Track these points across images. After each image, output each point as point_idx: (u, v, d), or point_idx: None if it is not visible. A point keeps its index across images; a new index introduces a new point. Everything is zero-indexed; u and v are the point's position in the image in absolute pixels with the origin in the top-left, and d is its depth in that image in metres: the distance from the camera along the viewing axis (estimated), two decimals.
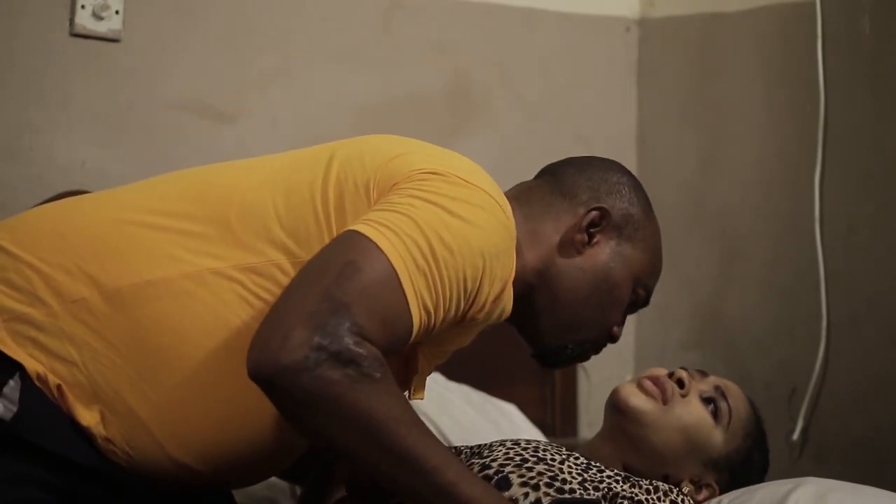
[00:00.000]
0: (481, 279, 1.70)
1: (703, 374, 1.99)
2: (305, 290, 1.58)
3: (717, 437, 1.92)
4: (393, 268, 1.61)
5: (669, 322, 3.63)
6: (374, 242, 1.61)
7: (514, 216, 1.82)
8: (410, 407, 1.63)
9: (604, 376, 3.67)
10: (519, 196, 1.90)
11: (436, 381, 3.13)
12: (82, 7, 2.96)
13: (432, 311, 1.66)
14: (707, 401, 1.93)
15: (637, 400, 1.91)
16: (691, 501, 1.86)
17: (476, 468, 1.82)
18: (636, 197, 1.92)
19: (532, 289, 1.87)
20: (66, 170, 2.94)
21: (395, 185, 1.71)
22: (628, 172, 1.96)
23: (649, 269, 1.93)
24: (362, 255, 1.61)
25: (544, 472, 1.79)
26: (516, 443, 1.89)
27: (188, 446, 1.74)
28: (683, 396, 1.92)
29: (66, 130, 2.96)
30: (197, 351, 1.72)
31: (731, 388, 1.98)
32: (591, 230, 1.87)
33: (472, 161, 1.84)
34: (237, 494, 2.07)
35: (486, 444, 1.92)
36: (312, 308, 1.56)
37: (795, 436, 3.18)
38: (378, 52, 3.33)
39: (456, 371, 3.25)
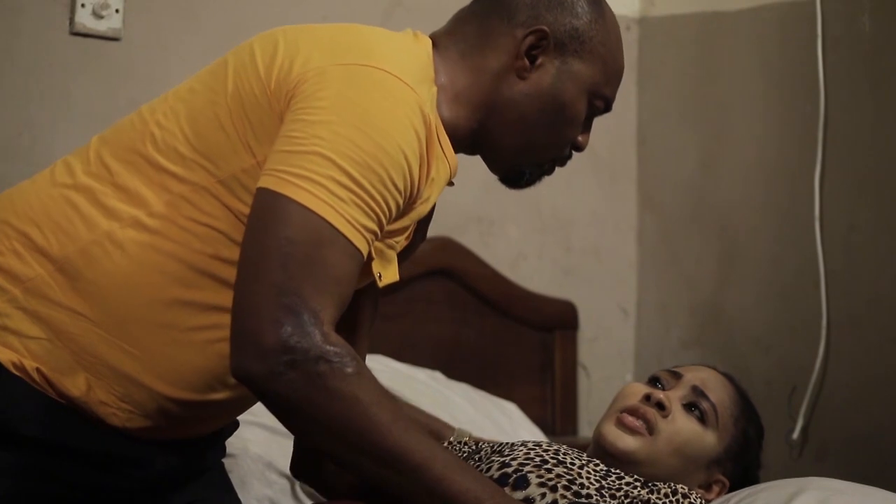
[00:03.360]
0: (409, 171, 1.68)
1: (676, 375, 1.96)
2: (257, 288, 1.59)
3: (710, 439, 1.91)
4: (323, 219, 1.60)
5: (669, 321, 3.63)
6: (297, 201, 1.61)
7: (448, 56, 1.82)
8: (390, 400, 1.62)
9: (604, 375, 3.67)
10: (454, 30, 1.87)
11: (436, 380, 3.13)
12: (82, 6, 2.95)
13: (377, 228, 1.66)
14: (689, 407, 1.91)
15: (625, 442, 1.87)
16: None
17: (496, 465, 1.82)
18: (581, 7, 1.85)
19: (480, 124, 1.84)
20: None
21: (289, 96, 1.69)
22: None
23: (603, 80, 1.87)
24: (291, 223, 1.60)
25: (563, 474, 1.78)
26: (538, 444, 1.88)
27: (180, 381, 1.76)
28: (666, 417, 1.89)
29: (66, 129, 2.96)
30: (158, 292, 1.73)
31: (709, 379, 1.95)
32: (532, 52, 1.82)
33: (367, 28, 1.81)
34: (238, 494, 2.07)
35: (507, 444, 1.92)
36: (269, 307, 1.57)
37: (795, 434, 3.18)
38: None
39: (456, 370, 3.26)
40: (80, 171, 1.79)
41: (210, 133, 1.74)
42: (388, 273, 1.79)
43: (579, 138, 1.90)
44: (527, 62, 1.82)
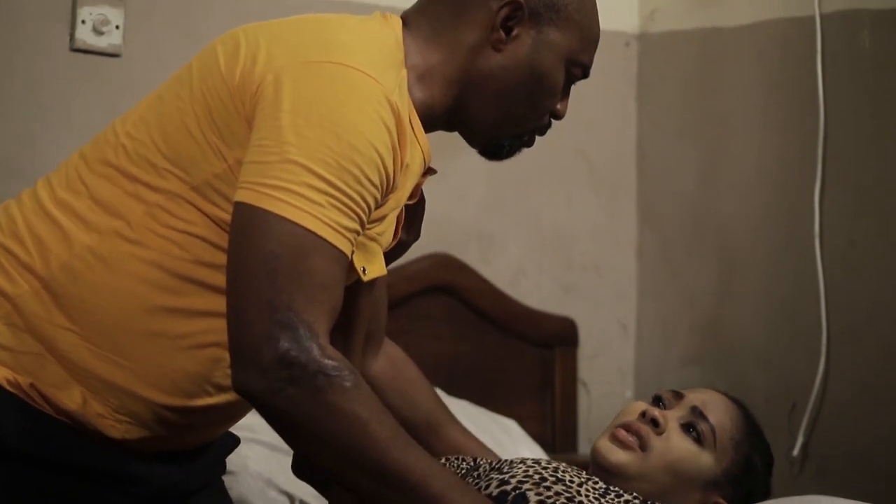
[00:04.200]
0: (383, 164, 1.68)
1: (679, 395, 1.95)
2: (249, 306, 1.59)
3: (706, 460, 1.89)
4: (305, 228, 1.60)
5: (669, 337, 3.63)
6: (275, 213, 1.60)
7: (420, 35, 1.81)
8: (388, 416, 1.63)
9: (603, 392, 3.67)
10: (426, 8, 1.86)
11: None
12: (83, 22, 2.96)
13: (358, 227, 1.66)
14: (686, 427, 1.91)
15: (617, 456, 1.87)
16: None
17: (494, 483, 1.82)
18: None
19: (457, 100, 1.84)
20: None
21: (254, 100, 1.68)
22: None
23: (580, 46, 1.86)
24: (273, 237, 1.60)
25: (562, 492, 1.78)
26: (537, 461, 1.88)
27: (173, 388, 1.76)
28: (660, 434, 1.89)
29: (67, 145, 2.94)
30: (143, 301, 1.74)
31: (711, 401, 1.94)
32: (508, 24, 1.81)
33: (330, 19, 1.80)
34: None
35: (506, 461, 1.92)
36: (264, 324, 1.57)
37: (796, 451, 3.17)
38: None
39: (456, 387, 3.26)
40: (59, 187, 1.80)
41: (179, 140, 1.74)
42: (372, 267, 1.79)
43: (558, 106, 1.89)
44: (502, 34, 1.81)
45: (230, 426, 1.96)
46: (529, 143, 1.93)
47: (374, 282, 1.86)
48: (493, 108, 1.85)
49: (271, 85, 1.67)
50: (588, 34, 1.87)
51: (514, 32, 1.82)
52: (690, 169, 3.58)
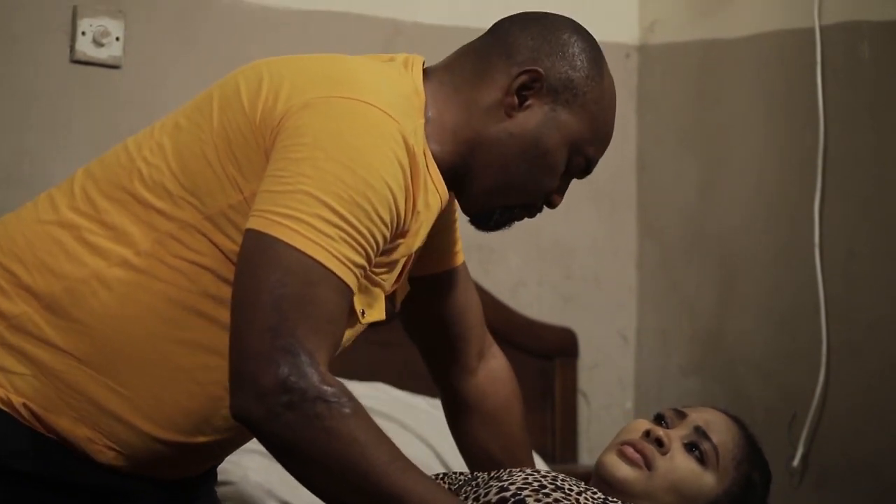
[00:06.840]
0: (395, 203, 1.68)
1: (681, 414, 1.95)
2: (252, 331, 1.58)
3: (708, 480, 1.90)
4: (313, 258, 1.60)
5: (669, 347, 3.63)
6: (285, 242, 1.60)
7: (442, 90, 1.82)
8: (387, 441, 1.62)
9: (603, 403, 3.66)
10: (452, 64, 1.87)
11: (437, 408, 3.12)
12: (83, 34, 2.96)
13: (365, 262, 1.66)
14: (690, 447, 1.92)
15: (623, 471, 1.87)
16: None
17: (494, 490, 1.82)
18: (581, 60, 1.82)
19: (463, 160, 1.83)
20: None
21: (275, 133, 1.69)
22: (581, 32, 1.85)
23: (589, 137, 1.85)
24: (281, 264, 1.60)
25: (561, 499, 1.78)
26: (536, 470, 1.88)
27: (167, 422, 1.75)
28: (664, 454, 1.90)
29: (66, 157, 2.96)
30: (145, 331, 1.73)
31: (713, 421, 1.94)
32: (523, 93, 1.81)
33: (352, 59, 1.81)
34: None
35: (505, 470, 1.92)
36: (266, 349, 1.57)
37: (796, 462, 3.18)
38: None
39: None
40: (64, 206, 1.78)
41: (197, 169, 1.73)
42: (372, 312, 1.79)
43: (554, 196, 1.89)
44: (515, 100, 1.81)
45: (218, 462, 1.96)
46: (517, 219, 1.93)
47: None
48: (493, 174, 1.84)
49: (292, 118, 1.68)
50: (600, 128, 1.87)
51: (528, 102, 1.81)
52: (690, 180, 3.59)
